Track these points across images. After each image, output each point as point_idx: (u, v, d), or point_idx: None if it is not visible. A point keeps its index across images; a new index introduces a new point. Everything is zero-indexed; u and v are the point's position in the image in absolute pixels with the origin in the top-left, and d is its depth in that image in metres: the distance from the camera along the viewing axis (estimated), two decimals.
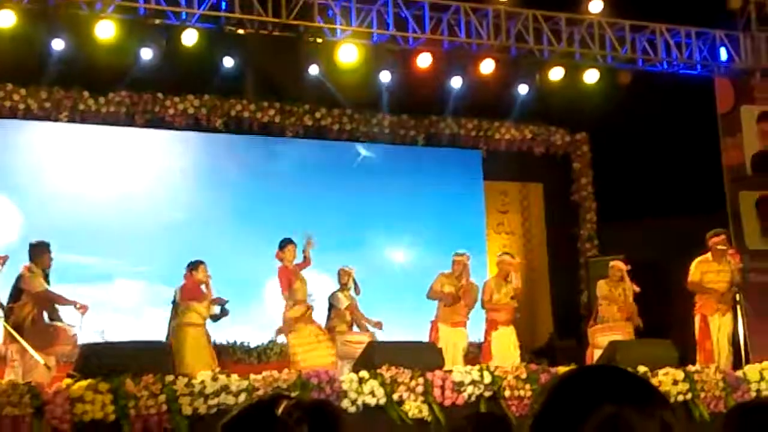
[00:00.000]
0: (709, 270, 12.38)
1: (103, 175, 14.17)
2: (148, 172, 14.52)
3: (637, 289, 12.92)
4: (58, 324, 10.72)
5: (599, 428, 1.79)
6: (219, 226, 14.49)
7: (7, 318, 10.24)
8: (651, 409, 1.83)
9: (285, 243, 11.89)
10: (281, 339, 12.47)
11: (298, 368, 10.75)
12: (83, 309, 10.76)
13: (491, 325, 12.54)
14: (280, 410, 2.04)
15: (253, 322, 13.92)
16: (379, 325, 12.32)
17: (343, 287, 12.45)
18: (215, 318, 11.85)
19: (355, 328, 12.38)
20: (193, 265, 11.80)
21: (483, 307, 12.62)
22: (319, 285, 12.71)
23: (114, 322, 13.04)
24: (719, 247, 12.36)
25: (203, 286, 11.71)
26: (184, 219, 14.51)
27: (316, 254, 12.09)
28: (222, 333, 13.41)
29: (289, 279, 11.76)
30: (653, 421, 1.82)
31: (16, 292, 10.65)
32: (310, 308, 11.89)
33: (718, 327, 12.34)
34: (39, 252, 10.86)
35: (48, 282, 10.86)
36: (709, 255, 12.45)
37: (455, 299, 12.30)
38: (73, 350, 10.49)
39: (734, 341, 12.35)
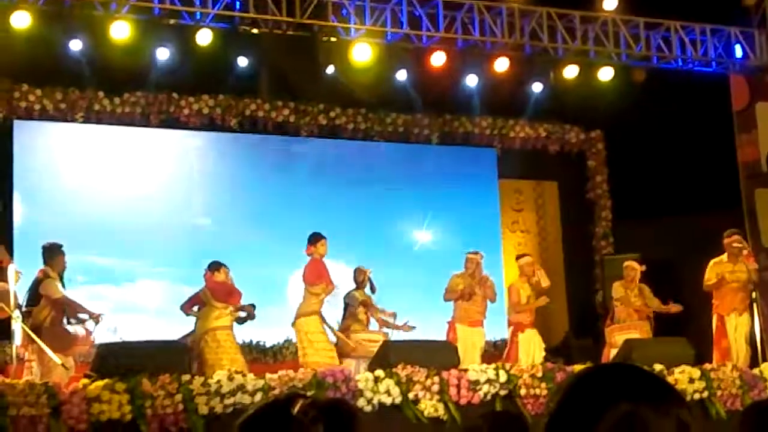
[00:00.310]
0: (724, 270, 12.36)
1: (118, 175, 14.18)
2: (163, 172, 14.53)
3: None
4: (76, 327, 10.76)
5: (615, 426, 1.79)
6: (234, 225, 14.50)
7: (25, 320, 10.29)
8: (667, 408, 1.83)
9: (318, 237, 11.82)
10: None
11: (305, 362, 10.87)
12: (97, 318, 10.80)
13: (518, 328, 12.58)
14: (296, 409, 2.04)
15: (269, 321, 13.92)
16: (406, 327, 12.33)
17: (359, 286, 12.47)
18: (240, 321, 11.87)
19: (372, 326, 12.36)
20: (215, 267, 11.81)
21: (513, 310, 12.66)
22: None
23: (135, 323, 13.09)
24: (735, 245, 12.35)
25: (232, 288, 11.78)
26: (200, 218, 14.53)
27: (330, 254, 12.09)
28: (238, 332, 13.44)
29: (321, 272, 11.77)
30: (669, 420, 1.82)
31: (35, 296, 10.69)
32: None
33: (735, 327, 12.32)
34: (53, 254, 10.89)
35: (63, 284, 10.90)
36: (724, 256, 12.45)
37: (471, 292, 12.33)
38: (91, 350, 10.54)
39: (751, 340, 12.32)
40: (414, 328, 12.31)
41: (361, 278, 12.46)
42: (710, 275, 12.39)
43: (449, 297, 12.48)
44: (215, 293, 11.64)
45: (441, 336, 12.31)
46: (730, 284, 12.30)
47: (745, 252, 12.44)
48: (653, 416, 1.81)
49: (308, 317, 11.63)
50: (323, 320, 11.79)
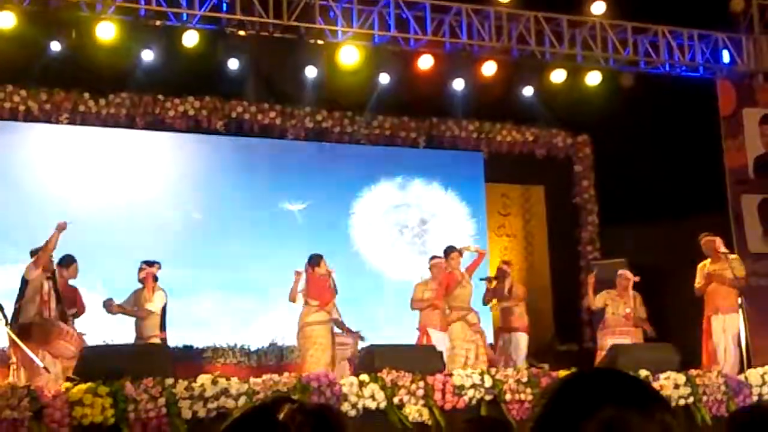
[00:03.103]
0: (710, 270, 12.35)
1: (102, 176, 14.09)
2: (148, 174, 14.45)
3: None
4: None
5: (600, 431, 1.76)
6: (220, 227, 14.41)
7: (14, 319, 10.26)
8: (651, 412, 1.81)
9: (450, 250, 12.39)
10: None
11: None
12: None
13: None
14: (283, 414, 1.99)
15: (254, 325, 13.89)
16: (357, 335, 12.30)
17: None
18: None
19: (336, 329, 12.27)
20: (315, 261, 11.81)
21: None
22: None
23: (118, 326, 13.02)
24: (709, 245, 12.37)
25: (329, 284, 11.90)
26: (185, 220, 14.43)
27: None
28: (224, 334, 13.42)
29: (456, 282, 12.22)
30: (654, 424, 1.80)
31: (23, 285, 10.66)
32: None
33: (723, 328, 12.27)
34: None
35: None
36: (708, 259, 12.46)
37: (436, 306, 12.24)
38: (77, 354, 10.47)
39: (740, 343, 12.31)
40: (363, 339, 12.24)
41: None
42: (699, 278, 12.38)
43: (417, 306, 12.38)
44: (310, 289, 11.68)
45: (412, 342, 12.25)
46: (716, 284, 12.27)
47: (721, 249, 12.39)
48: (638, 420, 1.79)
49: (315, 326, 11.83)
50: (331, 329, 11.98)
